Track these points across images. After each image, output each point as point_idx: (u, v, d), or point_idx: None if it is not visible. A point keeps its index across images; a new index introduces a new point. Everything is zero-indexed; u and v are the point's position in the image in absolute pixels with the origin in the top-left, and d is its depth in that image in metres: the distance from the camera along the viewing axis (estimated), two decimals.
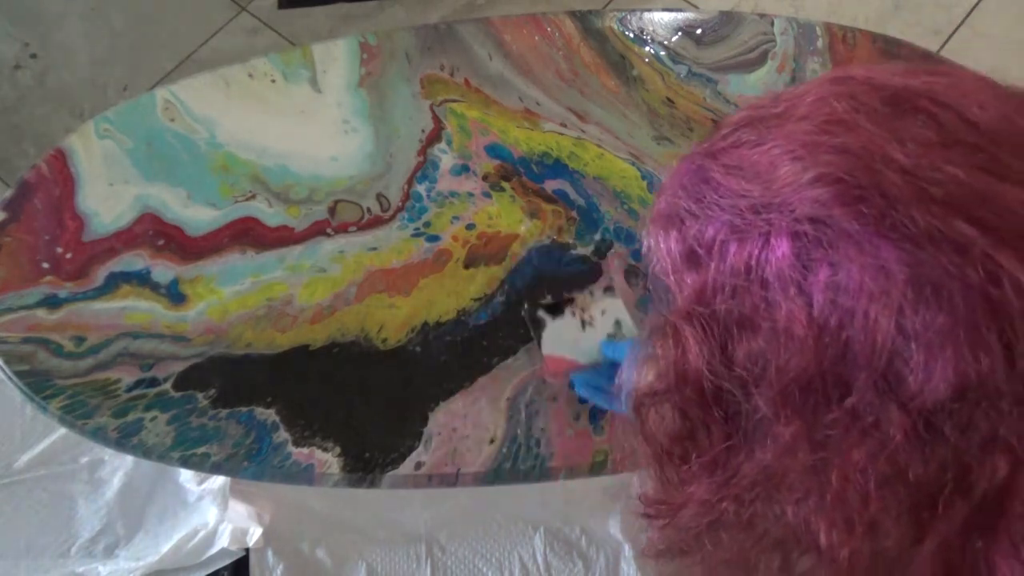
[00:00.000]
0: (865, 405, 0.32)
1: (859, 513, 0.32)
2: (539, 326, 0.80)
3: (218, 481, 1.11)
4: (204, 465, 0.76)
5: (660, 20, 1.00)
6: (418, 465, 0.77)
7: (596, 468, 0.77)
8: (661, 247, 0.39)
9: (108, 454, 1.17)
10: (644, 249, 0.41)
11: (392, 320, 0.83)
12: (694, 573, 0.41)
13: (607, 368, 0.76)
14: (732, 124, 0.39)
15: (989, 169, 0.32)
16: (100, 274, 0.85)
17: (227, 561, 1.11)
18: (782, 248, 0.33)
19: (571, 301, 0.81)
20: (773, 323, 0.33)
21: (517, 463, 0.77)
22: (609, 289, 0.82)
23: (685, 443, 0.38)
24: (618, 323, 0.79)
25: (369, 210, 0.89)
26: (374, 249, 0.87)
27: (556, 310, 0.80)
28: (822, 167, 0.33)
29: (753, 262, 0.34)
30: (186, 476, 1.14)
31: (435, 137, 0.93)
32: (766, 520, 0.35)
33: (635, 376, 0.41)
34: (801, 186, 0.33)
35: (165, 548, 1.10)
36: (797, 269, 0.33)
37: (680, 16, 1.00)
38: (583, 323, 0.79)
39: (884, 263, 0.31)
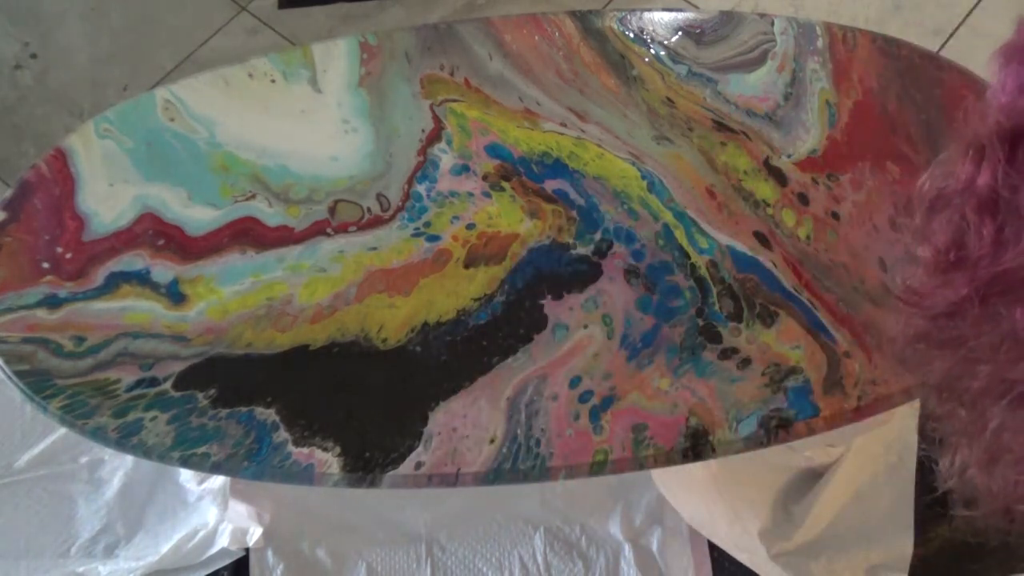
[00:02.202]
0: None
1: None
2: None
3: (218, 481, 1.11)
4: (204, 465, 0.76)
5: (660, 20, 1.00)
6: (418, 465, 0.77)
7: (596, 468, 0.77)
8: (999, 74, 0.44)
9: (108, 454, 1.17)
10: (988, 74, 0.46)
11: (392, 320, 0.83)
12: (934, 365, 0.47)
13: None
14: None
15: None
16: (100, 274, 0.85)
17: (227, 561, 1.11)
18: None
19: None
20: None
21: (517, 463, 0.77)
22: None
23: (958, 243, 0.44)
24: None
25: (369, 210, 0.89)
26: (374, 249, 0.87)
27: None
28: None
29: None
30: (186, 476, 1.14)
31: (435, 137, 0.93)
32: (1002, 314, 0.41)
33: (931, 184, 0.47)
34: None
35: (165, 548, 1.10)
36: None
37: (680, 16, 1.00)
38: None
39: None
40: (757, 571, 0.94)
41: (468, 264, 0.86)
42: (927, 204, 0.47)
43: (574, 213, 0.89)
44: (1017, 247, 0.41)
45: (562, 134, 0.93)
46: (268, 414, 0.79)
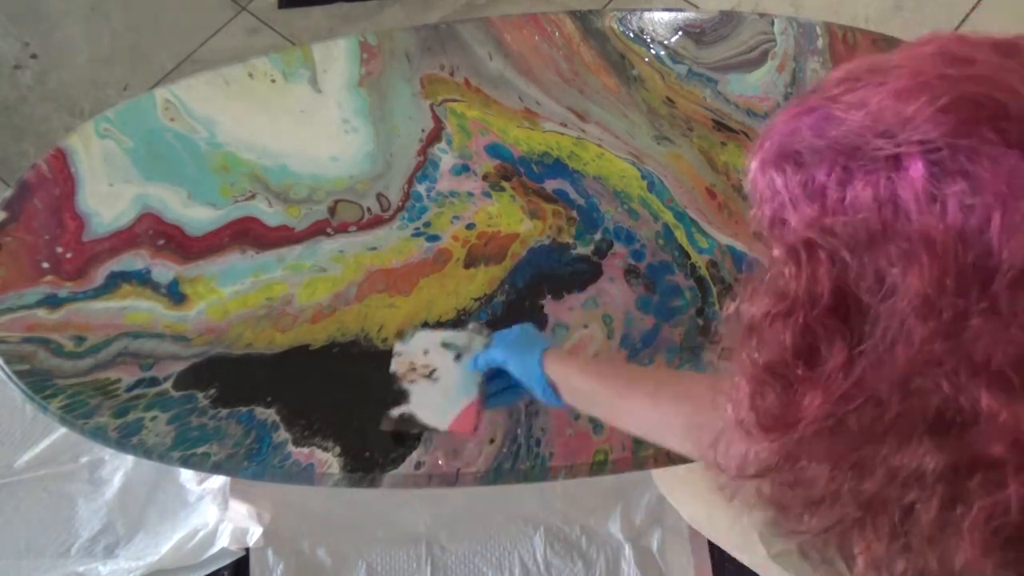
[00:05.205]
0: (1004, 296, 0.36)
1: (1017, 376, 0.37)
2: (411, 421, 0.72)
3: (218, 481, 1.11)
4: (204, 465, 0.76)
5: (660, 20, 1.00)
6: (418, 465, 0.77)
7: (596, 468, 0.77)
8: (776, 182, 0.42)
9: (108, 454, 1.17)
10: (751, 187, 0.44)
11: (392, 320, 0.83)
12: (803, 476, 0.45)
13: (495, 374, 0.72)
14: (844, 73, 0.42)
15: None
16: (100, 274, 0.85)
17: (227, 561, 1.11)
18: (916, 168, 0.37)
19: (398, 379, 0.74)
20: (908, 234, 0.37)
21: (517, 463, 0.77)
22: (399, 335, 0.76)
23: (805, 358, 0.42)
24: (446, 344, 0.74)
25: (369, 210, 0.89)
26: (374, 249, 0.87)
27: (399, 398, 0.73)
28: (954, 94, 0.37)
29: (882, 183, 0.37)
30: (186, 476, 1.14)
31: (435, 137, 0.93)
32: (924, 395, 0.39)
33: (749, 305, 0.45)
34: (934, 112, 0.37)
35: (165, 548, 1.10)
36: (932, 183, 0.36)
37: (680, 16, 1.00)
38: (430, 377, 0.73)
39: (1018, 173, 0.35)
40: (757, 571, 0.94)
41: (468, 264, 0.86)
42: (752, 327, 0.45)
43: (574, 213, 0.89)
44: (899, 341, 0.39)
45: (562, 134, 0.93)
46: (268, 414, 0.79)
